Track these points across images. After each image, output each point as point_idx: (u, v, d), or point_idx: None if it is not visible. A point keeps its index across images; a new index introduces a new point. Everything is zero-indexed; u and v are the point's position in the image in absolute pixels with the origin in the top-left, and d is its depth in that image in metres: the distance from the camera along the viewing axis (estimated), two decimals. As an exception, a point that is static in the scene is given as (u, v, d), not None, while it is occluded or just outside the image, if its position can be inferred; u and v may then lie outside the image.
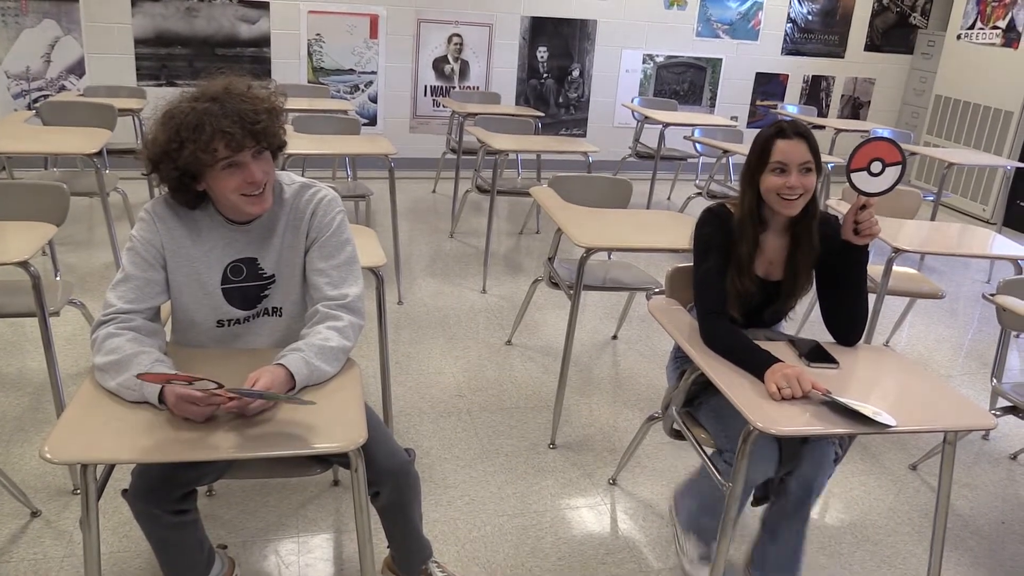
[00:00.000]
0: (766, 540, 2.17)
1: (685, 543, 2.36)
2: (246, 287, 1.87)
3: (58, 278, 3.12)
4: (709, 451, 2.12)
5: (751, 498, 2.21)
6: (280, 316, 1.93)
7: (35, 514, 2.41)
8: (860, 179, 2.10)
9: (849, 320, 2.14)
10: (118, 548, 2.29)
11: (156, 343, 1.75)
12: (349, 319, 1.84)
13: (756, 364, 1.90)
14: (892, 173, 2.07)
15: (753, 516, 2.65)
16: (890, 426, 1.71)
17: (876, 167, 2.08)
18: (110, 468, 1.81)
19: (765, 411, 1.75)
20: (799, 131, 2.07)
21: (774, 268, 2.18)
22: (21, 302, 2.81)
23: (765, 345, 2.00)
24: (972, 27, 7.06)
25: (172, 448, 1.50)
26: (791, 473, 2.07)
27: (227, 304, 1.87)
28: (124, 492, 1.76)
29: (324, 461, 1.92)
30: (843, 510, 2.75)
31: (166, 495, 1.75)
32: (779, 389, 1.81)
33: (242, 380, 1.61)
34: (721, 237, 2.12)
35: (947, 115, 7.35)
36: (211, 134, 1.67)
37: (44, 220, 2.69)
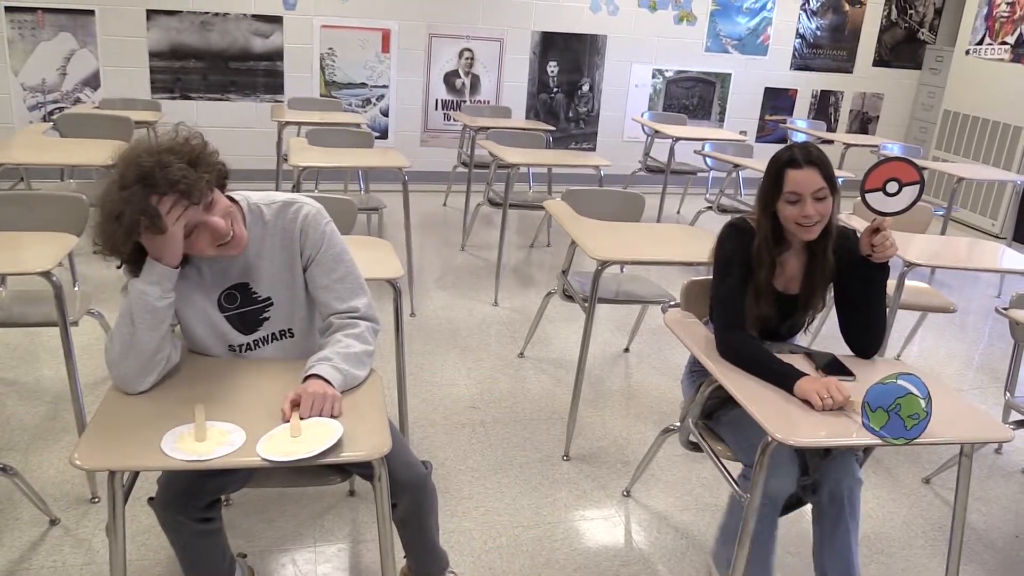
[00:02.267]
0: (818, 555, 2.13)
1: None
2: (243, 312, 1.88)
3: (76, 288, 3.15)
4: (726, 463, 2.13)
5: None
6: (292, 337, 1.94)
7: (54, 522, 2.43)
8: (875, 199, 2.10)
9: (867, 333, 2.16)
10: (137, 556, 2.31)
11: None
12: (365, 324, 1.88)
13: (781, 377, 1.92)
14: (909, 193, 2.07)
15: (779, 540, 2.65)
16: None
17: (892, 187, 2.08)
18: (134, 476, 1.83)
19: (783, 422, 1.77)
20: (811, 158, 2.06)
21: (793, 283, 2.20)
22: (40, 312, 2.84)
23: (784, 358, 2.02)
24: (981, 43, 7.09)
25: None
26: (818, 491, 2.08)
27: (233, 330, 1.88)
28: (150, 500, 1.78)
29: (343, 471, 1.93)
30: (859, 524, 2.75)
31: (192, 503, 1.77)
32: (822, 399, 1.83)
33: (260, 389, 1.63)
34: (743, 252, 2.14)
35: (956, 130, 7.37)
36: (131, 221, 1.61)
37: (63, 230, 2.72)
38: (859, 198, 2.17)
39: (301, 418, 1.61)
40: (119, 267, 1.76)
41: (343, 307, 1.88)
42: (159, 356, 1.73)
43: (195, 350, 1.91)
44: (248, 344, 1.90)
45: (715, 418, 2.24)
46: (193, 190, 1.66)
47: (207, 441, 1.52)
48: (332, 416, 1.64)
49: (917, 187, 2.07)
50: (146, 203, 1.62)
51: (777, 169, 2.09)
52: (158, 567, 2.27)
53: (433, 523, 2.07)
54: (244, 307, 1.87)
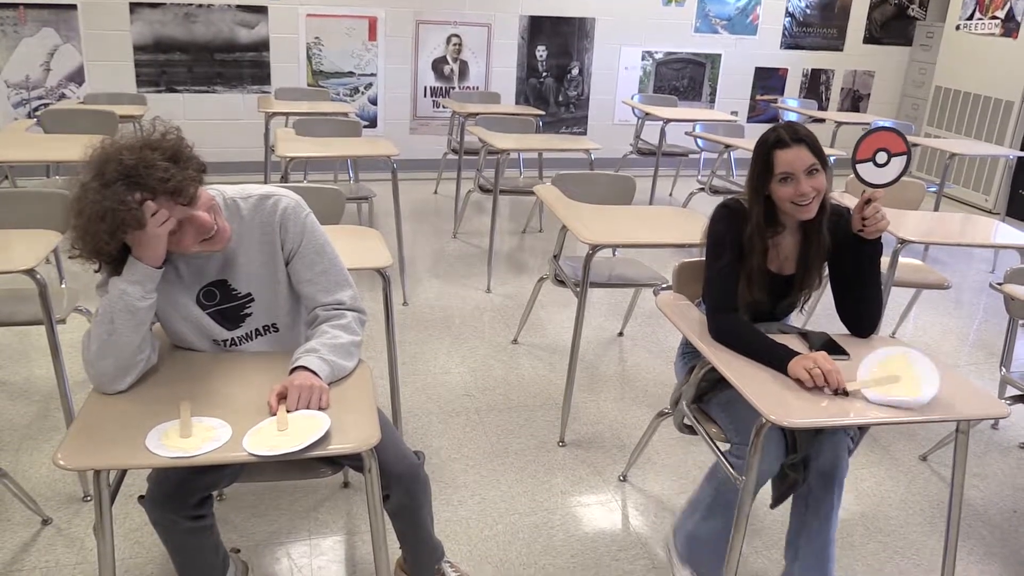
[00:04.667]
0: (796, 532, 2.14)
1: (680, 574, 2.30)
2: (223, 309, 1.85)
3: (63, 286, 3.12)
4: (721, 445, 2.12)
5: (771, 501, 2.20)
6: (277, 331, 1.92)
7: (46, 522, 2.41)
8: (866, 170, 2.09)
9: (863, 312, 2.14)
10: (130, 554, 2.29)
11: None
12: (351, 315, 1.86)
13: (775, 357, 1.90)
14: (897, 163, 2.07)
15: (770, 519, 2.65)
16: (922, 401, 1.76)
17: (882, 157, 2.07)
18: (122, 474, 1.81)
19: (777, 403, 1.75)
20: (798, 136, 2.04)
21: (787, 263, 2.18)
22: (28, 310, 2.81)
23: (777, 338, 2.00)
24: (971, 17, 7.05)
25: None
26: (808, 467, 2.07)
27: (216, 326, 1.86)
28: (140, 498, 1.76)
29: (335, 463, 1.92)
30: (854, 502, 2.74)
31: (183, 501, 1.75)
32: (811, 376, 1.82)
33: (246, 383, 1.61)
34: (735, 234, 2.11)
35: (947, 106, 7.34)
36: (124, 223, 1.59)
37: (48, 228, 2.69)
38: (851, 175, 2.15)
39: (288, 411, 1.59)
40: (97, 270, 1.72)
41: (329, 300, 1.86)
42: (139, 357, 1.70)
43: (179, 346, 1.88)
44: (232, 339, 1.88)
45: (707, 400, 2.22)
46: (183, 189, 1.64)
47: (192, 437, 1.50)
48: (320, 408, 1.62)
49: (905, 158, 2.06)
50: (130, 199, 1.58)
51: (765, 152, 2.07)
52: (151, 565, 2.25)
53: (427, 513, 2.05)
54: (224, 304, 1.85)
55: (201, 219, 1.68)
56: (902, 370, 1.85)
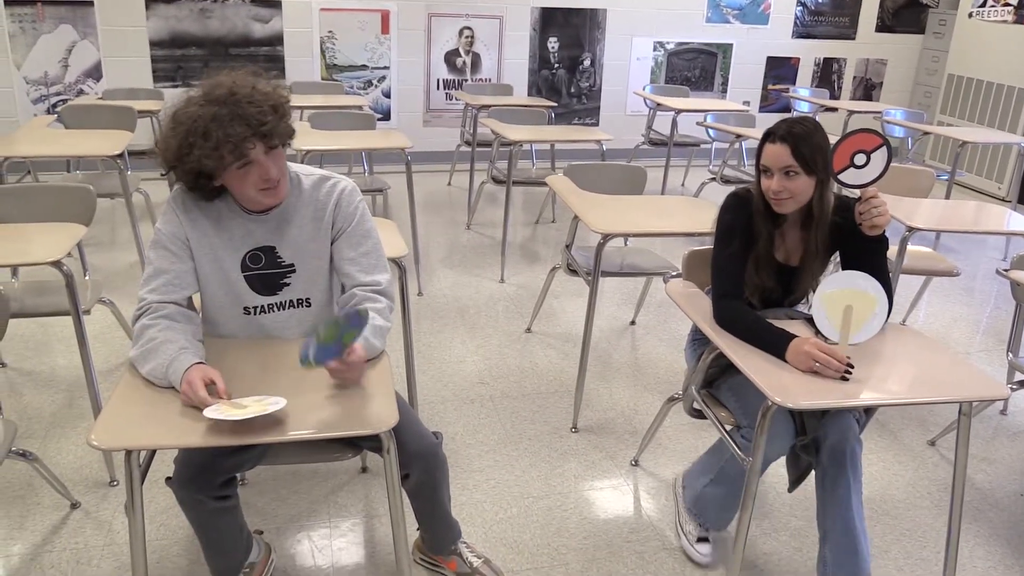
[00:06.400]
0: (821, 515, 2.15)
1: (686, 524, 2.44)
2: (265, 274, 1.93)
3: (87, 277, 3.20)
4: (730, 429, 2.17)
5: (788, 485, 2.26)
6: (309, 307, 1.99)
7: (75, 505, 2.49)
8: (849, 176, 2.08)
9: None
10: (155, 536, 2.36)
11: (190, 328, 1.83)
12: (386, 302, 1.94)
13: (773, 345, 1.95)
14: (879, 158, 2.05)
15: (780, 502, 2.69)
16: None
17: (860, 159, 2.06)
18: (151, 456, 1.87)
19: (783, 386, 1.80)
20: (788, 133, 2.07)
21: (793, 255, 2.22)
22: (52, 302, 2.89)
23: (784, 324, 2.04)
24: (983, 5, 7.03)
25: (212, 434, 1.56)
26: (819, 451, 2.11)
27: (250, 291, 1.92)
28: (168, 480, 1.83)
29: (355, 446, 1.97)
30: (863, 485, 2.78)
31: (209, 481, 1.82)
32: (814, 361, 1.87)
33: (276, 369, 1.68)
34: (743, 222, 2.16)
35: (960, 94, 7.33)
36: (217, 141, 1.70)
37: (72, 221, 2.76)
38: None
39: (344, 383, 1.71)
40: (163, 175, 1.84)
41: (367, 279, 1.94)
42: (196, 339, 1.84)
43: (210, 311, 1.95)
44: (263, 307, 1.95)
45: (717, 385, 2.27)
46: (272, 134, 1.76)
47: (247, 408, 1.56)
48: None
49: (884, 150, 2.06)
50: (233, 128, 1.70)
51: (761, 141, 2.14)
52: (176, 546, 2.32)
53: (445, 492, 2.11)
54: (267, 269, 1.92)
55: (266, 169, 1.78)
56: (845, 299, 1.96)
